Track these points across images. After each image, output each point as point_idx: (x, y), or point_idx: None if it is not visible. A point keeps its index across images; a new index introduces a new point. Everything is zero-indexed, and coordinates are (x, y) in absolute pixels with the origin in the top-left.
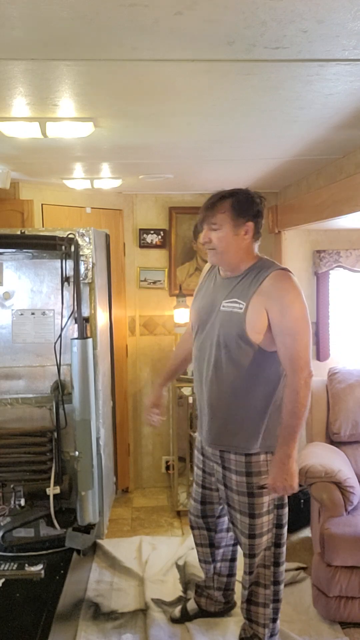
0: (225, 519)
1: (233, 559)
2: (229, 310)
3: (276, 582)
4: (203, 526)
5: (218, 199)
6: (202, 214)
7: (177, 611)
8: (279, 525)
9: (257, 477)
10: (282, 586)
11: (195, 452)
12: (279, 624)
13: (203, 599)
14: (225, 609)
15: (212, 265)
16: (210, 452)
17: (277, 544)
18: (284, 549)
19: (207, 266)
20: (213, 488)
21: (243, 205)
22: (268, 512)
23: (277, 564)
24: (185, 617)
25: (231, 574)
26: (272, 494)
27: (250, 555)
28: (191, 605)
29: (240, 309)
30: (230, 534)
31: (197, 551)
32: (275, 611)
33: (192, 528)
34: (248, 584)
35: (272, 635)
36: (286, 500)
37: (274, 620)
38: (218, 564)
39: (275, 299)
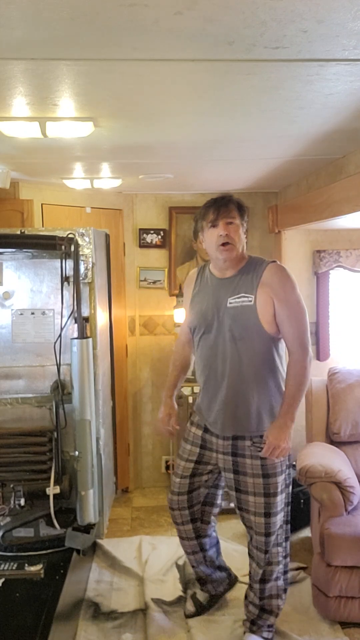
0: (210, 508)
1: (217, 541)
2: (238, 305)
3: (286, 556)
4: (187, 518)
5: (229, 200)
6: (216, 211)
7: (190, 606)
8: (287, 503)
9: (271, 460)
10: (289, 558)
11: (188, 446)
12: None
13: (209, 585)
14: (231, 583)
15: (200, 271)
16: (220, 443)
17: (287, 521)
18: (290, 524)
19: (192, 273)
20: (204, 473)
21: (243, 209)
22: (282, 492)
23: (287, 538)
24: (201, 608)
25: (218, 553)
26: (282, 473)
27: (266, 534)
28: (201, 595)
29: (250, 301)
30: (213, 524)
31: (184, 544)
32: (285, 582)
33: (177, 523)
34: (264, 563)
35: (281, 606)
36: (292, 479)
37: (285, 590)
38: (207, 552)
39: (277, 288)
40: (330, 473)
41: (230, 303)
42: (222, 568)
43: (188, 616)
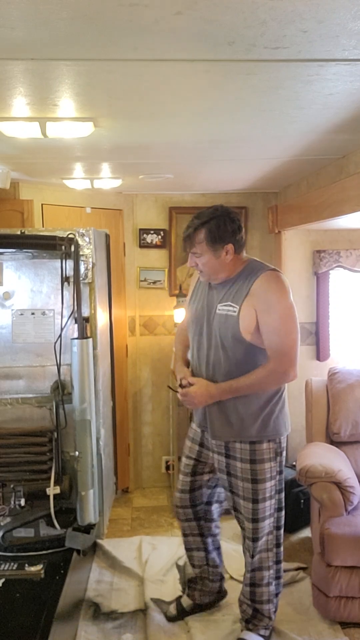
0: (214, 506)
1: (219, 547)
2: (224, 313)
3: (278, 562)
4: (191, 516)
5: (193, 231)
6: (183, 242)
7: (172, 609)
8: (279, 509)
9: (261, 465)
10: (282, 564)
11: (189, 443)
12: (278, 604)
13: (197, 592)
14: (218, 598)
15: None
16: (214, 443)
17: (278, 527)
18: (282, 530)
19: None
20: (205, 472)
21: (216, 232)
22: (270, 497)
23: (278, 545)
24: (182, 613)
25: (220, 563)
26: (272, 481)
27: (254, 539)
28: (186, 601)
29: (234, 312)
30: (217, 523)
31: (187, 541)
32: (277, 586)
33: (180, 520)
34: (251, 567)
35: (275, 610)
36: (283, 485)
37: (277, 595)
38: (210, 555)
39: (262, 299)
40: (330, 473)
41: (219, 310)
42: (221, 580)
43: (169, 618)
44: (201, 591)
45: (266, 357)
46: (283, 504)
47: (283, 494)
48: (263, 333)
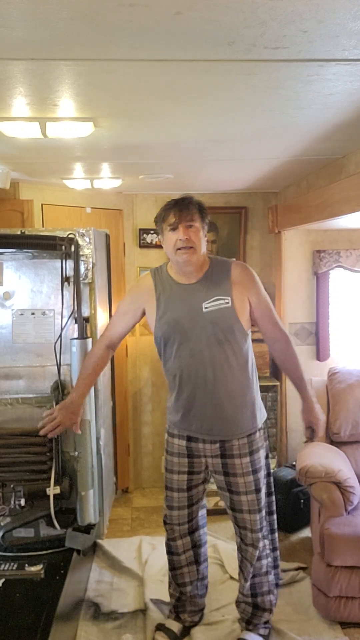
0: (204, 511)
1: (207, 557)
2: (215, 309)
3: (274, 549)
4: (186, 531)
5: (189, 202)
6: (177, 214)
7: (161, 637)
8: (269, 494)
9: (257, 454)
10: (278, 551)
11: (175, 459)
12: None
13: (186, 615)
14: (202, 615)
15: (156, 277)
16: (208, 447)
17: (270, 512)
18: (275, 515)
19: (146, 278)
20: (199, 483)
21: (204, 211)
22: (264, 484)
23: (272, 530)
24: (184, 634)
25: (207, 573)
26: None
27: (260, 529)
28: (175, 625)
29: (228, 303)
30: (205, 529)
31: (179, 560)
32: (276, 576)
33: (174, 539)
34: (255, 559)
35: (275, 602)
36: (271, 470)
37: (276, 585)
38: (201, 566)
39: (251, 285)
40: (330, 473)
41: (206, 308)
42: (206, 589)
43: None
44: (191, 612)
45: (247, 340)
46: (272, 489)
47: (272, 478)
48: (262, 315)
